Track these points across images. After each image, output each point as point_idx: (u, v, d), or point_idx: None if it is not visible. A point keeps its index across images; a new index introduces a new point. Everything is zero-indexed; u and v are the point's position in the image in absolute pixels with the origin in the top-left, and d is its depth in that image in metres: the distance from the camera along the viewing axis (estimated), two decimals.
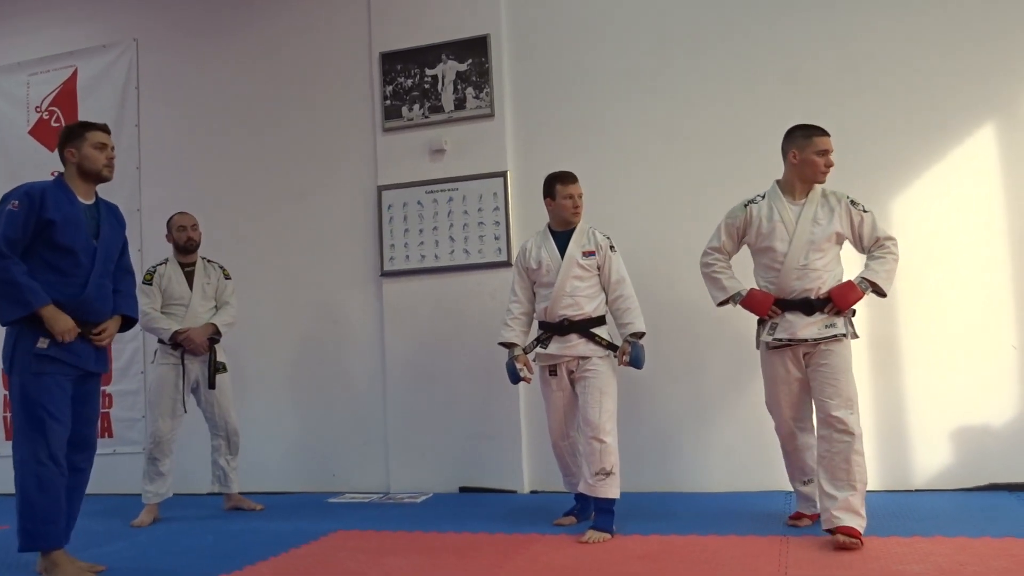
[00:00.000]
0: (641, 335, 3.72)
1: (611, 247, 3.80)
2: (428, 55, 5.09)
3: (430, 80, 5.08)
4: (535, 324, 3.93)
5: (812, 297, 3.38)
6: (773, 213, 3.47)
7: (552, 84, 4.94)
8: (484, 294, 4.88)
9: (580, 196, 3.83)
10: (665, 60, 4.75)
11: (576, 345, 3.74)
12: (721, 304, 3.64)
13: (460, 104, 5.02)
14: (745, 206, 3.56)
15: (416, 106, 5.10)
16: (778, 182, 3.56)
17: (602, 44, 4.86)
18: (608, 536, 3.53)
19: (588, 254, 3.77)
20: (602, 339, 3.74)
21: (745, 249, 3.66)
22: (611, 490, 3.60)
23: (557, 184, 3.83)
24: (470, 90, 5.00)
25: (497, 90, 4.96)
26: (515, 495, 4.74)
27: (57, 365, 3.19)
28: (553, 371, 3.81)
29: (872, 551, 3.10)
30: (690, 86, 4.69)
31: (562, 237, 3.83)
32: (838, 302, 3.36)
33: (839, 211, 3.43)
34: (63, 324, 3.16)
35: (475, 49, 5.00)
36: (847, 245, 3.54)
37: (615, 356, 3.75)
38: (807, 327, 3.37)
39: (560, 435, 3.88)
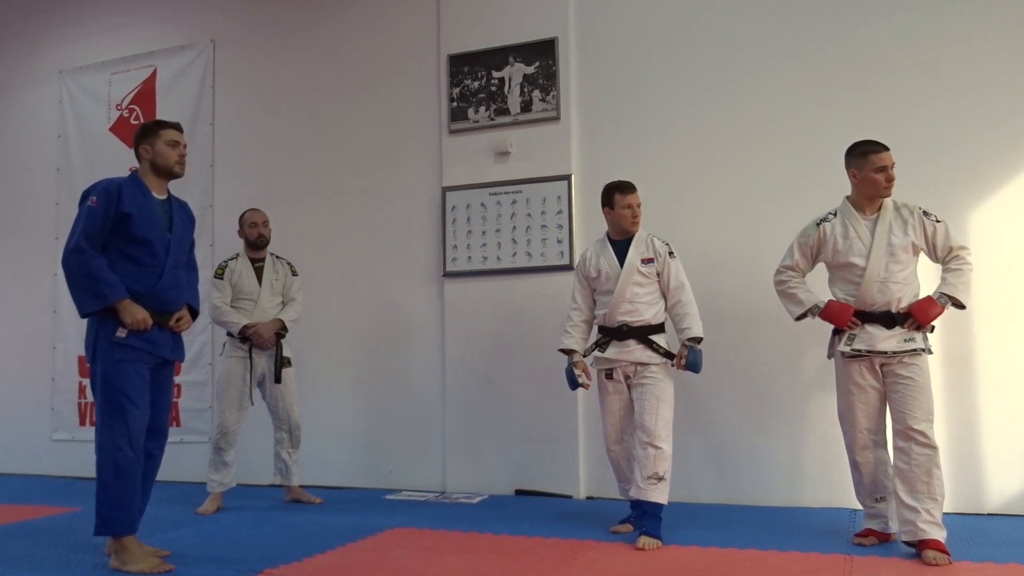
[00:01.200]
0: (699, 340, 3.69)
1: (670, 253, 3.80)
2: (495, 57, 5.11)
3: (497, 82, 5.10)
4: (594, 330, 3.93)
5: (893, 310, 3.38)
6: (848, 230, 3.48)
7: (619, 88, 4.91)
8: (546, 297, 4.87)
9: (639, 206, 3.83)
10: (734, 65, 4.67)
11: (634, 351, 3.73)
12: (799, 318, 3.62)
13: (526, 107, 5.02)
14: (817, 225, 3.57)
15: (482, 108, 5.13)
16: (848, 198, 3.57)
17: (670, 49, 4.81)
18: (660, 542, 3.50)
19: (647, 261, 3.77)
20: (660, 346, 3.73)
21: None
22: (661, 495, 3.59)
23: (616, 194, 3.82)
24: (536, 93, 5.00)
25: (563, 93, 4.95)
26: (571, 500, 4.72)
27: (136, 353, 3.30)
28: (610, 375, 3.81)
29: (943, 575, 3.01)
30: (759, 92, 4.61)
31: (621, 245, 3.83)
32: (919, 317, 3.36)
33: (912, 222, 3.43)
34: (135, 315, 3.26)
35: (543, 52, 5.00)
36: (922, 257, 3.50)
37: (673, 364, 3.73)
38: (887, 340, 3.37)
39: (615, 439, 3.86)
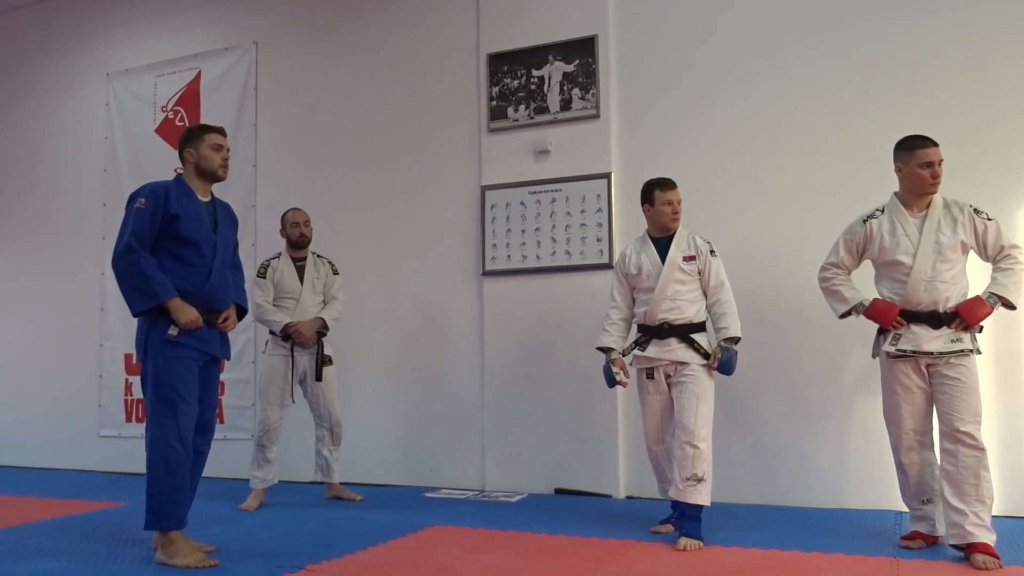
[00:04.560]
0: (736, 340, 3.66)
1: (711, 251, 3.77)
2: (535, 56, 5.10)
3: (536, 81, 5.09)
4: (633, 329, 3.90)
5: (940, 310, 3.31)
6: (896, 227, 3.41)
7: (659, 85, 4.87)
8: (585, 296, 4.86)
9: (679, 202, 3.79)
10: (776, 61, 4.62)
11: (675, 350, 3.70)
12: (843, 316, 3.57)
13: (566, 105, 5.01)
14: (864, 222, 3.50)
15: (522, 107, 5.12)
16: (896, 194, 3.50)
17: (711, 45, 4.77)
18: (701, 543, 3.47)
19: (689, 259, 3.74)
20: (701, 346, 3.70)
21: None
22: (701, 497, 3.55)
23: (656, 190, 3.80)
24: (576, 91, 4.99)
25: (603, 91, 4.93)
26: (610, 499, 4.70)
27: (187, 350, 3.36)
28: (650, 374, 3.78)
29: None
30: (802, 89, 4.55)
31: (662, 242, 3.80)
32: (967, 317, 3.28)
33: (962, 220, 3.35)
34: (188, 315, 3.32)
35: (582, 50, 4.98)
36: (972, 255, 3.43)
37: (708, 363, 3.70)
38: (933, 340, 3.30)
39: (655, 440, 3.83)
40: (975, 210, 3.36)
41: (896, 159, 3.45)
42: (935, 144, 3.37)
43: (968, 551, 3.16)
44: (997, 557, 3.09)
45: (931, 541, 3.42)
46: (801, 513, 4.17)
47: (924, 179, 3.35)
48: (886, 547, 3.42)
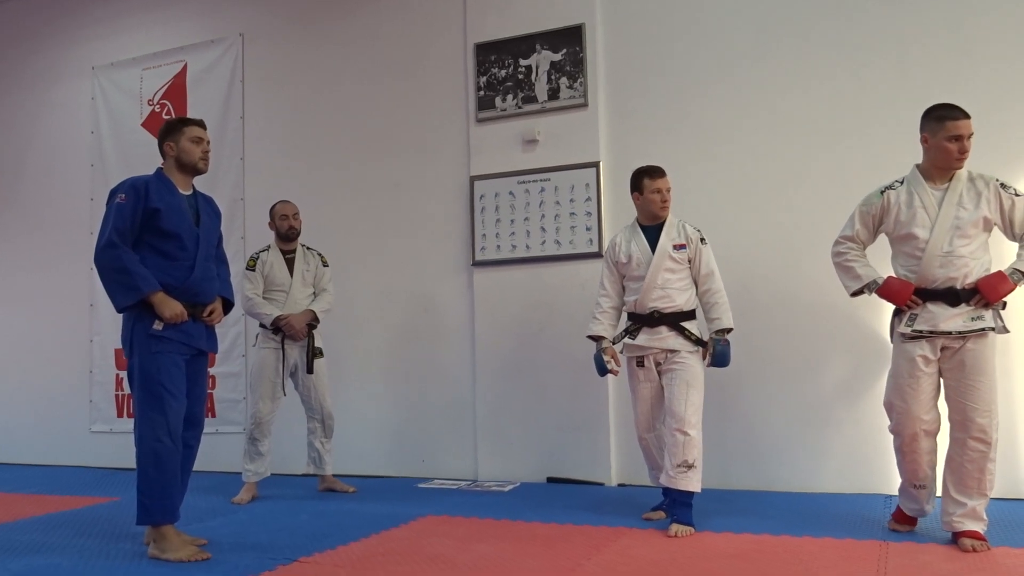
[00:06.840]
0: (728, 331, 3.66)
1: (702, 240, 3.77)
2: (522, 45, 5.09)
3: (524, 70, 5.08)
4: (623, 317, 3.91)
5: (958, 287, 3.13)
6: (913, 199, 3.24)
7: (647, 74, 4.87)
8: (575, 285, 4.86)
9: (668, 190, 3.78)
10: (764, 46, 4.62)
11: (666, 338, 3.70)
12: (855, 294, 3.42)
13: (554, 94, 5.00)
14: (882, 193, 3.33)
15: (510, 96, 5.11)
16: (918, 166, 3.32)
17: (698, 32, 4.76)
18: (693, 529, 3.49)
19: (679, 247, 3.74)
20: (691, 334, 3.71)
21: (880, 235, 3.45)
22: (692, 483, 3.57)
23: (645, 178, 3.79)
24: (564, 80, 4.98)
25: (591, 80, 4.92)
26: (602, 487, 4.72)
27: (172, 344, 3.35)
28: (641, 362, 3.78)
29: (980, 561, 2.97)
30: (790, 73, 4.55)
31: (652, 231, 3.80)
32: (987, 294, 3.10)
33: (987, 195, 3.17)
34: (172, 309, 3.31)
35: (570, 39, 4.97)
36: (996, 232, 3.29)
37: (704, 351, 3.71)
38: (951, 319, 3.13)
39: (646, 427, 3.84)
40: (1001, 184, 3.17)
41: (923, 128, 3.24)
42: (967, 116, 3.14)
43: (956, 536, 3.17)
44: (985, 540, 3.10)
45: (916, 522, 3.44)
46: (791, 498, 4.19)
47: (951, 153, 3.14)
48: (875, 531, 3.45)
